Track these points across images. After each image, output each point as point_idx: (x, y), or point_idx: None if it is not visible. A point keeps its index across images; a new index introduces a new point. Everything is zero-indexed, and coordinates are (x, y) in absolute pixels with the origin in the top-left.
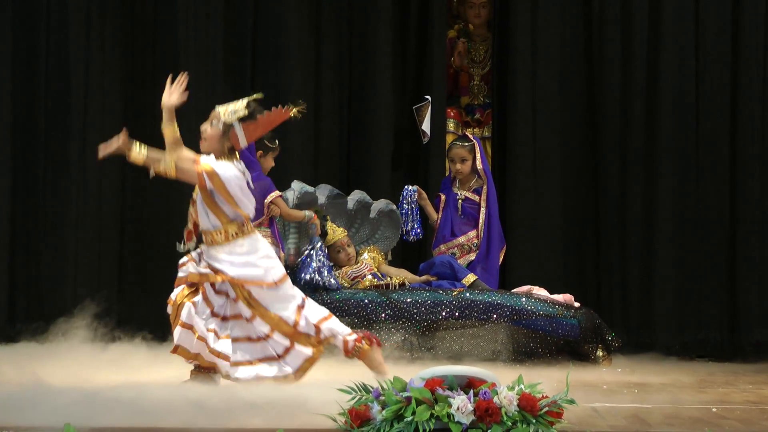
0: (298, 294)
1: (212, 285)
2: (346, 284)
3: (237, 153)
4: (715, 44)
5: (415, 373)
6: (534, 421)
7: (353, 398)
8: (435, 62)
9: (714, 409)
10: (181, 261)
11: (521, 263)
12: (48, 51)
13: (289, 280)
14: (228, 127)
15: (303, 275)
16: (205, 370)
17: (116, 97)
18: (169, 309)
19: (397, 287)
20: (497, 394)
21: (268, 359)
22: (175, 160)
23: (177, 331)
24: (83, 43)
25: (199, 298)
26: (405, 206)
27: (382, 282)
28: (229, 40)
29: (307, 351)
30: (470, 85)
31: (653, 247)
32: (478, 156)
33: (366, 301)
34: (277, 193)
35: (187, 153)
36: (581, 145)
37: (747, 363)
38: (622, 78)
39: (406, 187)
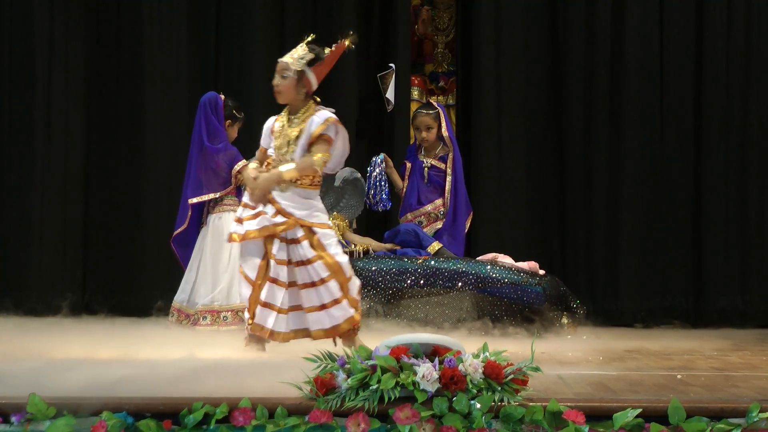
0: None
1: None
2: None
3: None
4: (678, 9)
5: (381, 342)
6: (499, 388)
7: (318, 366)
8: (399, 30)
9: (679, 376)
10: (246, 214)
11: (486, 231)
12: (12, 19)
13: None
14: (301, 74)
15: None
16: (258, 337)
17: (80, 65)
18: (247, 290)
19: (362, 255)
20: (462, 361)
21: (312, 309)
22: (317, 158)
23: (259, 311)
24: (47, 12)
25: (273, 269)
26: (374, 176)
27: (346, 249)
28: (192, 11)
29: (351, 310)
30: (434, 53)
31: (618, 215)
32: (443, 123)
33: None
34: (244, 162)
35: (314, 151)
36: (546, 112)
37: (712, 329)
38: (586, 44)
39: (374, 158)
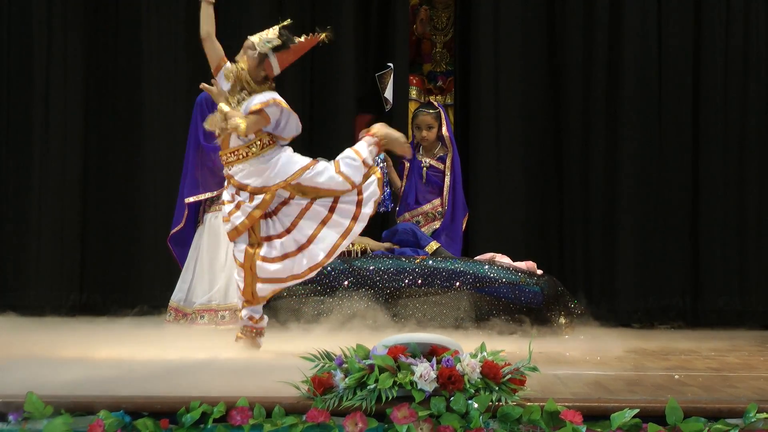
0: None
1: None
2: None
3: (271, 81)
4: (677, 8)
5: (378, 341)
6: (497, 388)
7: (316, 366)
8: (397, 29)
9: (676, 376)
10: (229, 209)
11: (484, 230)
12: (10, 18)
13: None
14: (263, 57)
15: None
16: (251, 334)
17: (78, 65)
18: (239, 273)
19: (360, 254)
20: (460, 361)
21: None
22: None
23: (259, 287)
24: (45, 12)
25: (264, 248)
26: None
27: (344, 248)
28: (190, 10)
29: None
30: (433, 53)
31: (616, 215)
32: (444, 123)
33: (328, 268)
34: None
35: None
36: (544, 111)
37: (709, 330)
38: (584, 44)
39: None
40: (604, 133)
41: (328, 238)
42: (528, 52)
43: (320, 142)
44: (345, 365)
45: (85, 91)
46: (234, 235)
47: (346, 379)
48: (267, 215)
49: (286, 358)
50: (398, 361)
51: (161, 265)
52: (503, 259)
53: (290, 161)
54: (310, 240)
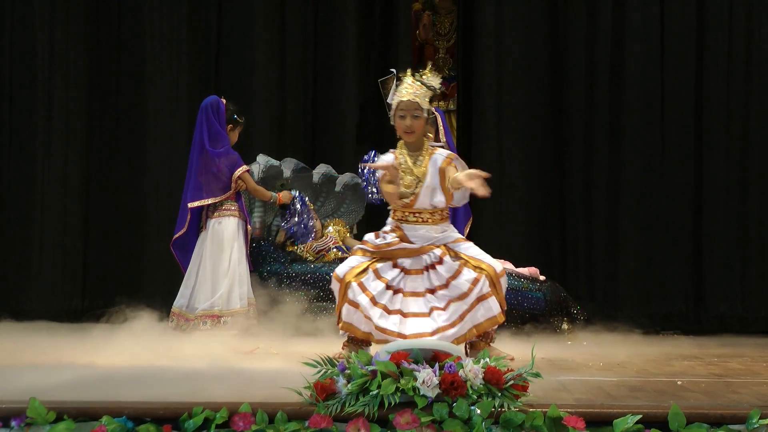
0: None
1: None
2: (311, 257)
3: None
4: (679, 11)
5: (381, 347)
6: (500, 394)
7: (319, 371)
8: (400, 35)
9: (679, 382)
10: (368, 241)
11: (487, 236)
12: (13, 23)
13: None
14: (429, 113)
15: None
16: (357, 342)
17: (81, 68)
18: (335, 285)
19: None
20: (463, 367)
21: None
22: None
23: (344, 309)
24: (48, 16)
25: (369, 276)
26: (368, 170)
27: (346, 255)
28: (193, 16)
29: (496, 308)
30: (435, 58)
31: (618, 220)
32: (441, 128)
33: (330, 273)
34: (244, 167)
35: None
36: (546, 117)
37: (712, 335)
38: (586, 48)
39: (369, 153)
40: (607, 139)
41: (413, 328)
42: (530, 57)
43: (322, 148)
44: (348, 371)
45: (88, 96)
46: (358, 252)
47: (349, 385)
48: (396, 265)
49: (288, 364)
50: (401, 366)
51: (163, 270)
52: (506, 265)
53: (452, 232)
54: (400, 314)
